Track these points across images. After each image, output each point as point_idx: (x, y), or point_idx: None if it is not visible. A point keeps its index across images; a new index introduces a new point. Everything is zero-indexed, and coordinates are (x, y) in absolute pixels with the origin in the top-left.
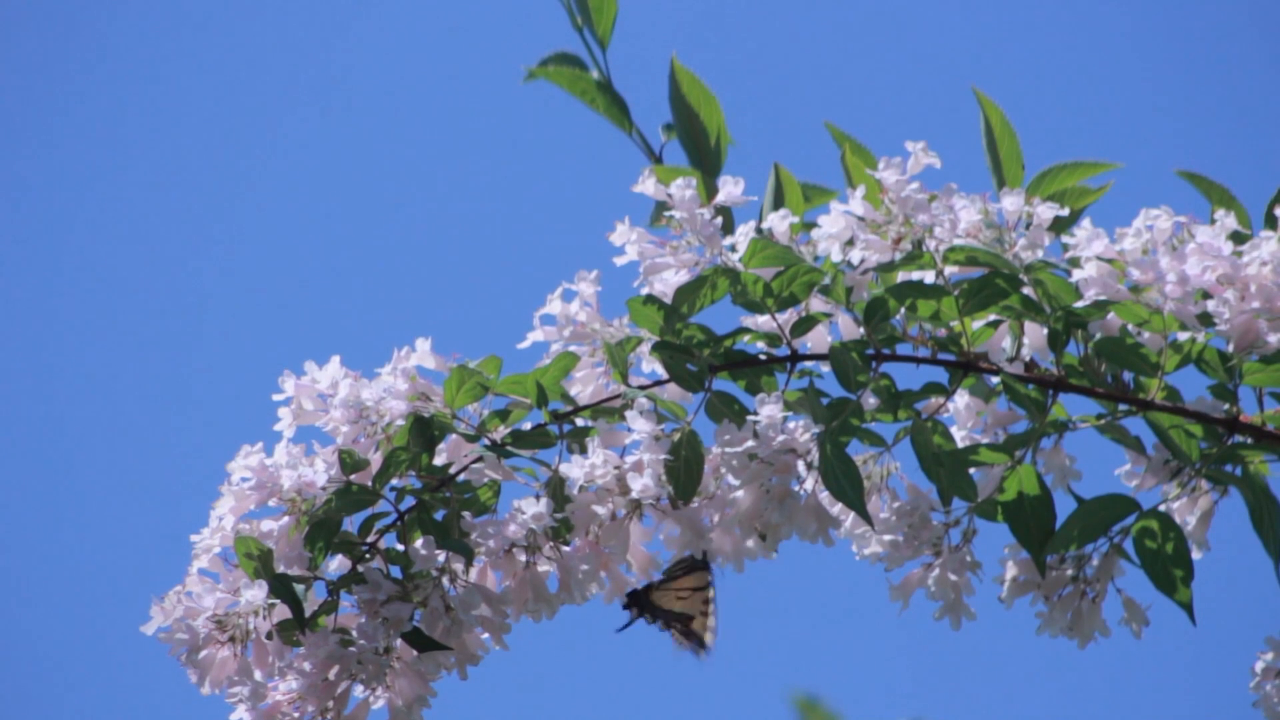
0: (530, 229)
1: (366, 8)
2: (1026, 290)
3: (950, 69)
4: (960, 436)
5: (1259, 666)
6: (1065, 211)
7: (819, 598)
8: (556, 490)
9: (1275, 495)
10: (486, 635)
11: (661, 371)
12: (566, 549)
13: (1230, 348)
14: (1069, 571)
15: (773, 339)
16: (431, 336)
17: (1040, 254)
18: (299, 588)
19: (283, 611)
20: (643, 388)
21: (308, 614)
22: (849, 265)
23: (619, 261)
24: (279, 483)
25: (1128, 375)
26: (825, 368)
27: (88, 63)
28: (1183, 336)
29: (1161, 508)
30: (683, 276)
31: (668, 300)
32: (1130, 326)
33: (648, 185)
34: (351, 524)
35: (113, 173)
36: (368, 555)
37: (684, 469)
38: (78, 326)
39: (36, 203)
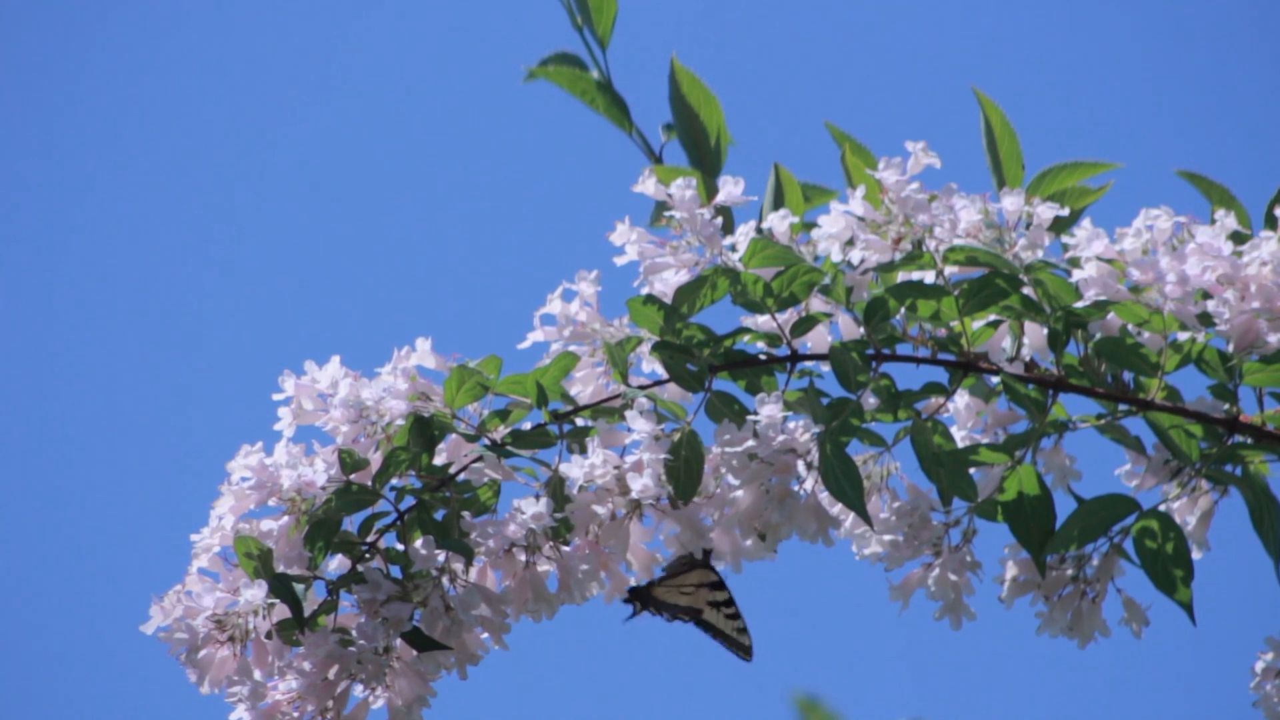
0: (530, 229)
1: (367, 8)
2: (1026, 290)
3: (950, 69)
4: (960, 436)
5: (1259, 666)
6: (1065, 211)
7: (819, 598)
8: (556, 490)
9: (1275, 495)
10: (486, 635)
11: (661, 371)
12: (566, 549)
13: (1230, 348)
14: (1069, 571)
15: (773, 339)
16: (431, 336)
17: (1040, 254)
18: (299, 587)
19: (282, 611)
20: (643, 388)
21: (307, 614)
22: (849, 265)
23: (619, 261)
24: (279, 482)
25: (1128, 375)
26: (825, 368)
27: (88, 62)
28: (1183, 336)
29: (1161, 508)
30: (683, 276)
31: (668, 300)
32: (1130, 326)
33: (648, 185)
34: (351, 524)
35: (113, 173)
36: (367, 555)
37: (684, 469)
38: (78, 326)
39: (37, 202)
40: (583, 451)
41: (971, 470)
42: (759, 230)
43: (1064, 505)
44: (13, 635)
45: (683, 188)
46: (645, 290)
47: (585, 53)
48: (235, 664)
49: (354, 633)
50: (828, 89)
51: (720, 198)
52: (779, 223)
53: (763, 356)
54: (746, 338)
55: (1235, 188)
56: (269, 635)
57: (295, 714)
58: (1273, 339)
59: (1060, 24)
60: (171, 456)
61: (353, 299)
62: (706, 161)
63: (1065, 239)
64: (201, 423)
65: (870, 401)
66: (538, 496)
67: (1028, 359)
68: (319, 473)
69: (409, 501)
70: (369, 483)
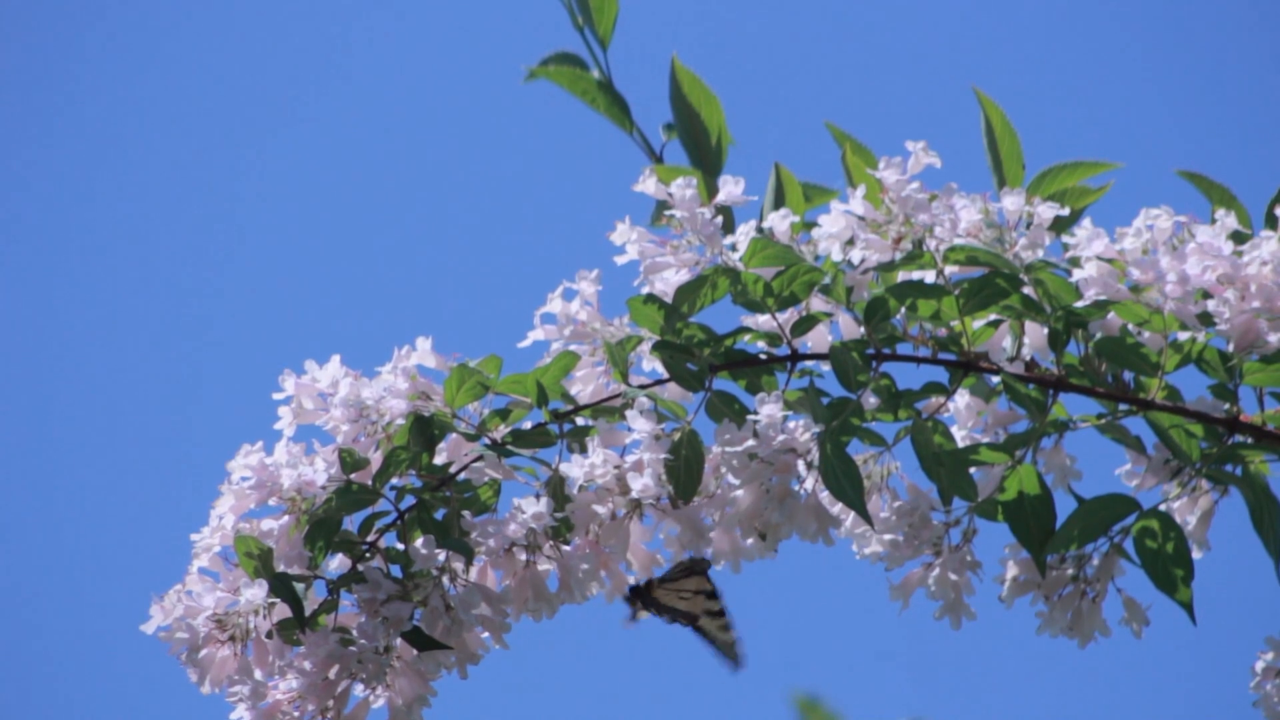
0: (531, 228)
1: (367, 7)
2: (1027, 290)
3: (950, 69)
4: (961, 436)
5: (1259, 666)
6: (1066, 211)
7: (819, 598)
8: (556, 489)
9: (1275, 495)
10: (486, 634)
11: (662, 371)
12: (566, 548)
13: (1230, 347)
14: (1069, 571)
15: (773, 338)
16: (432, 335)
17: (1041, 254)
18: (299, 587)
19: (283, 610)
20: (643, 387)
21: (308, 613)
22: (849, 265)
23: (620, 261)
24: (279, 482)
25: (1128, 375)
26: (826, 367)
27: (88, 62)
28: (1183, 336)
29: (1162, 507)
30: (683, 276)
31: (668, 300)
32: (1130, 326)
33: (648, 185)
34: (351, 523)
35: (113, 173)
36: (368, 554)
37: (684, 468)
38: (78, 326)
39: (37, 201)
40: (583, 451)
41: (972, 470)
42: (759, 230)
43: (1064, 505)
44: (13, 635)
45: (683, 187)
46: (646, 290)
47: (586, 52)
48: (236, 663)
49: (354, 632)
50: (828, 89)
51: (721, 197)
52: (779, 222)
53: (763, 356)
54: (747, 337)
55: (1235, 187)
56: (269, 635)
57: (296, 713)
58: (1273, 339)
59: (1060, 24)
60: (172, 456)
61: (353, 298)
62: (707, 161)
63: (1066, 239)
64: (202, 421)
65: (870, 401)
66: (538, 496)
67: (1028, 359)
68: (319, 472)
69: (409, 501)
70: (369, 482)
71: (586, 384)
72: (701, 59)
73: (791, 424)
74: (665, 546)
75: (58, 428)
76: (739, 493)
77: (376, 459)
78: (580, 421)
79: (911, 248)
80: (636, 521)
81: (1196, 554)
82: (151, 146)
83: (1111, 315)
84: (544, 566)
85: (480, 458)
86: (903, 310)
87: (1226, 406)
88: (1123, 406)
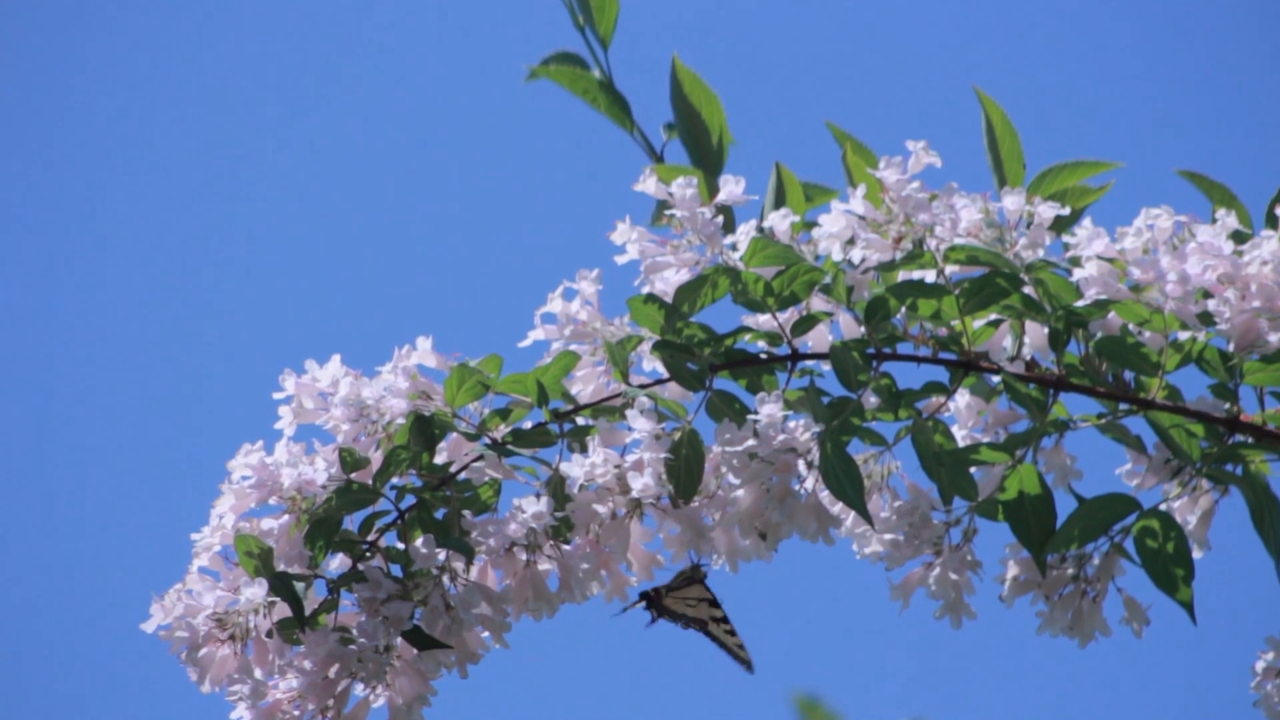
0: (531, 228)
1: (368, 7)
2: (1027, 289)
3: (951, 69)
4: (961, 436)
5: (1259, 666)
6: (1066, 211)
7: (819, 597)
8: (557, 489)
9: (1276, 495)
10: (487, 634)
11: (662, 370)
12: (567, 548)
13: (1231, 347)
14: (1070, 571)
15: (773, 338)
16: (432, 335)
17: (1041, 253)
18: (299, 586)
19: (283, 610)
20: (643, 386)
21: (308, 612)
22: (850, 264)
23: (620, 260)
24: (279, 481)
25: (1128, 374)
26: (826, 367)
27: (90, 62)
28: (1183, 336)
29: (1162, 507)
30: (683, 275)
31: (668, 299)
32: (1131, 326)
33: (649, 184)
34: (352, 522)
35: (115, 172)
36: (368, 554)
37: (684, 468)
38: (79, 325)
39: (37, 200)
40: (583, 450)
41: (972, 469)
42: (760, 229)
43: (1065, 504)
44: (13, 635)
45: (684, 187)
46: (646, 289)
47: (587, 52)
48: (236, 663)
49: (354, 631)
50: (829, 88)
51: (721, 197)
52: (780, 222)
53: (763, 355)
54: (747, 337)
55: (1236, 187)
56: (269, 634)
57: (296, 713)
58: (1273, 338)
59: (1060, 24)
60: (172, 455)
61: (354, 298)
62: (708, 161)
63: (1066, 238)
64: (202, 421)
65: (871, 401)
66: (538, 495)
67: (1028, 358)
68: (319, 471)
69: (409, 500)
70: (369, 481)
71: (587, 383)
72: (702, 58)
73: (792, 423)
74: (665, 546)
75: (58, 427)
76: (739, 492)
77: (377, 458)
78: (581, 421)
79: (912, 247)
80: (637, 521)
81: (1197, 554)
82: (152, 147)
83: (1112, 315)
84: (544, 566)
85: (480, 457)
86: (903, 310)
87: (1227, 406)
88: (1123, 406)
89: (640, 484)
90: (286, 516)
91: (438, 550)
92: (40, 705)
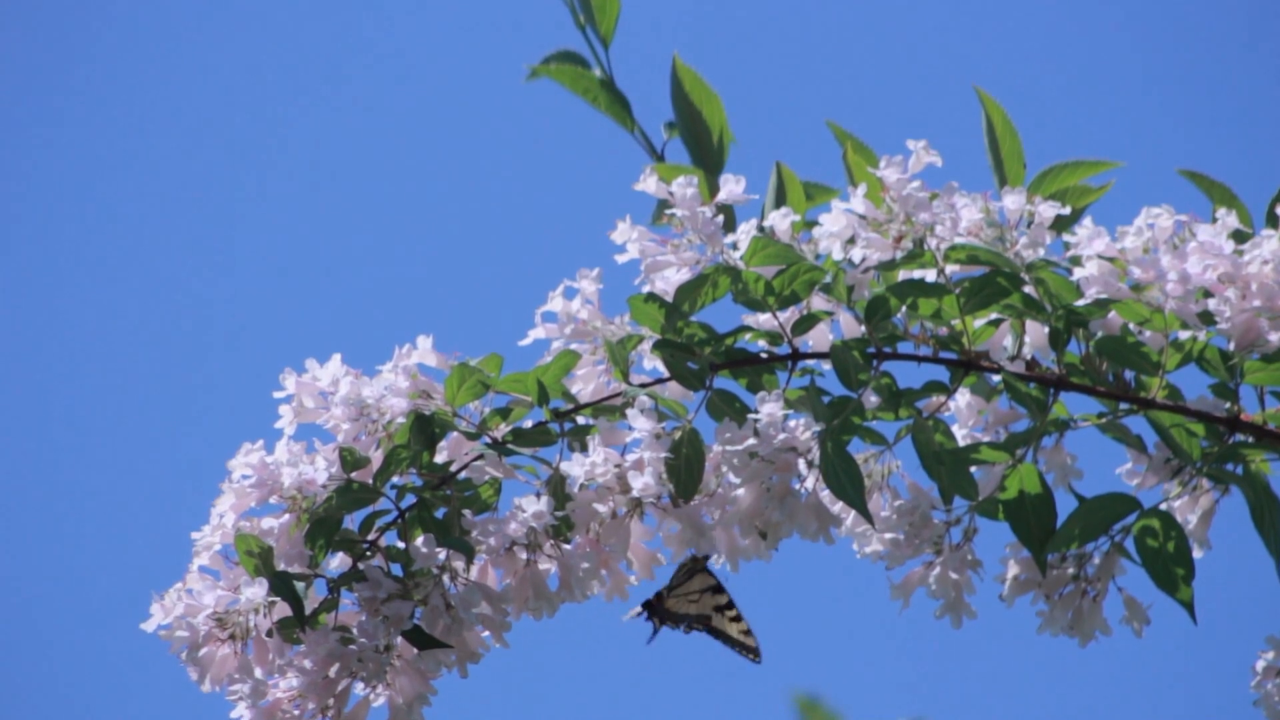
0: (532, 227)
1: (369, 7)
2: (1028, 289)
3: (952, 68)
4: (961, 435)
5: (1260, 665)
6: (1067, 210)
7: (819, 597)
8: (557, 488)
9: (1276, 494)
10: (487, 633)
11: (662, 369)
12: (567, 547)
13: (1231, 346)
14: (1070, 570)
15: (774, 337)
16: (433, 334)
17: (1041, 252)
18: (299, 585)
19: (283, 609)
20: (644, 386)
21: (308, 612)
22: (850, 263)
23: (620, 259)
24: (280, 480)
25: (1129, 374)
26: (826, 366)
27: (90, 62)
28: (1184, 335)
29: (1163, 506)
30: (684, 274)
31: (669, 298)
32: (1131, 325)
33: (649, 183)
34: (352, 521)
35: (116, 171)
36: (368, 553)
37: (685, 467)
38: (79, 325)
39: (39, 199)
40: (584, 449)
41: (972, 469)
42: (760, 228)
43: (1065, 504)
44: (13, 635)
45: (684, 186)
46: (646, 288)
47: (588, 51)
48: (236, 662)
49: (355, 631)
50: (830, 88)
51: (722, 196)
52: (780, 221)
53: (764, 355)
54: (748, 336)
55: (1236, 186)
56: (270, 633)
57: (296, 712)
58: (1274, 337)
59: (1060, 24)
60: (172, 454)
61: (354, 297)
62: (708, 160)
63: (1066, 237)
64: (202, 420)
65: (871, 400)
66: (538, 494)
67: (1029, 357)
68: (320, 470)
69: (410, 499)
70: (370, 481)
71: (587, 383)
72: (703, 58)
73: (792, 423)
74: (666, 545)
75: (58, 427)
76: (740, 491)
77: (377, 457)
78: (581, 420)
79: (912, 246)
80: (637, 520)
81: (1197, 553)
82: (153, 146)
83: (1112, 314)
84: (544, 565)
85: (481, 456)
86: (904, 309)
87: (1227, 405)
88: (1123, 405)
89: (640, 483)
90: (287, 516)
91: (438, 549)
92: (40, 705)
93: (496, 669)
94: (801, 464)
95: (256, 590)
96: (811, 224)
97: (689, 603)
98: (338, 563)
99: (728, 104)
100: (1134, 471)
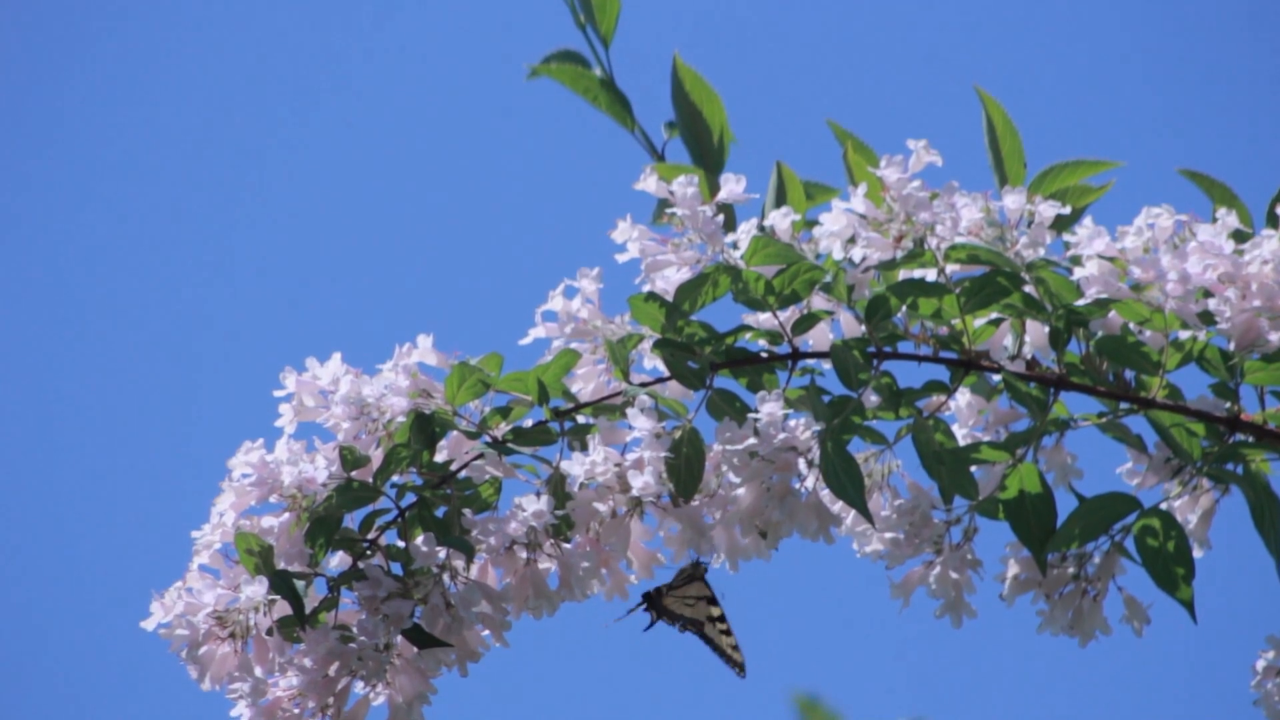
0: (532, 226)
1: (369, 7)
2: (1028, 288)
3: (952, 67)
4: (962, 434)
5: (1260, 665)
6: (1067, 210)
7: (819, 597)
8: (557, 487)
9: (1277, 494)
10: (487, 632)
11: (663, 369)
12: (567, 546)
13: (1231, 346)
14: (1070, 570)
15: (774, 337)
16: (433, 333)
17: (1042, 252)
18: (299, 584)
19: (283, 608)
20: (644, 385)
21: (308, 610)
22: (850, 263)
23: (621, 259)
24: (280, 479)
25: (1129, 373)
26: (827, 365)
27: (90, 61)
28: (1184, 335)
29: (1163, 506)
30: (684, 274)
31: (669, 298)
32: (1132, 325)
33: (650, 183)
34: (352, 520)
35: (116, 170)
36: (368, 552)
37: (685, 466)
38: (79, 324)
39: (39, 199)
40: (584, 449)
41: (973, 468)
42: (761, 228)
43: (1065, 503)
44: (13, 634)
45: (684, 185)
46: (647, 288)
47: (588, 50)
48: (236, 661)
49: (355, 629)
50: (830, 87)
51: (722, 195)
52: (781, 220)
53: (764, 354)
54: (748, 335)
55: (1237, 186)
56: (270, 632)
57: (296, 711)
58: (1274, 337)
59: (1060, 24)
60: (172, 453)
61: (354, 296)
62: (709, 159)
63: (1067, 237)
64: (202, 419)
65: (871, 399)
66: (539, 494)
67: (1029, 357)
68: (320, 469)
69: (410, 498)
70: (370, 480)
71: (587, 382)
72: (703, 57)
73: (792, 422)
74: (665, 545)
75: (58, 426)
76: (740, 491)
77: (377, 456)
78: (581, 419)
79: (913, 246)
80: (637, 519)
81: (1197, 553)
82: (153, 146)
83: (1113, 314)
84: (544, 564)
85: (481, 455)
86: (904, 309)
87: (1228, 405)
88: (1124, 405)
89: (640, 482)
90: (287, 514)
91: (438, 548)
92: (40, 705)
93: (496, 668)
94: (801, 463)
95: (256, 589)
96: (812, 223)
97: (685, 605)
98: (338, 561)
99: (728, 104)
100: (1134, 471)
